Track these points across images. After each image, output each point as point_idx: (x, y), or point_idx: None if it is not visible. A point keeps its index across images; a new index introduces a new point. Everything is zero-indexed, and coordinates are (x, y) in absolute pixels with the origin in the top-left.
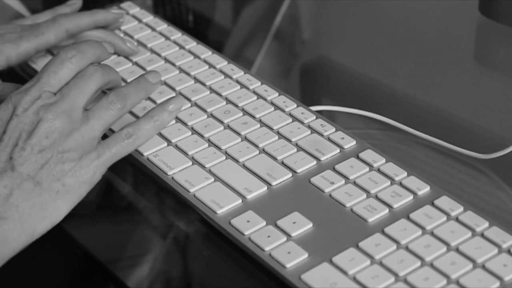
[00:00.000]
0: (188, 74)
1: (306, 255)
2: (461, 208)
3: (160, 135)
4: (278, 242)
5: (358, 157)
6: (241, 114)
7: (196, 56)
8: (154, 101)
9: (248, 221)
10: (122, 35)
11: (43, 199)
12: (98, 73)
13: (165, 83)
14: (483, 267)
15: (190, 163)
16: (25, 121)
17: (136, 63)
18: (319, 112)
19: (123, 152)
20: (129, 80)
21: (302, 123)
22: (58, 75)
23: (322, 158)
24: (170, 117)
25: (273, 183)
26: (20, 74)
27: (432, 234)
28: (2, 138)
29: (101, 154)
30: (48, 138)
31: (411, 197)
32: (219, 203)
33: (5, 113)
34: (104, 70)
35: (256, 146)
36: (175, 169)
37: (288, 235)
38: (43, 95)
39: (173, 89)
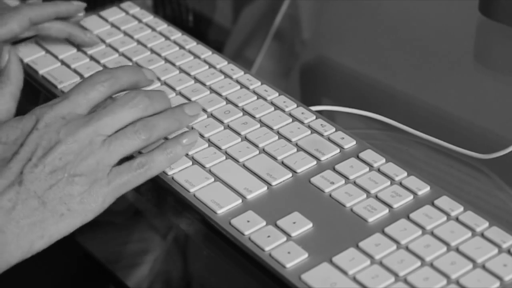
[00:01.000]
0: (188, 74)
1: (306, 255)
2: (461, 208)
3: None
4: (278, 242)
5: (358, 157)
6: (241, 114)
7: (196, 56)
8: None
9: (248, 221)
10: (122, 35)
11: (45, 219)
12: (143, 104)
13: (165, 83)
14: (483, 267)
15: (190, 163)
16: (44, 137)
17: (136, 63)
18: (319, 112)
19: (134, 182)
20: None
21: (302, 123)
22: (88, 95)
23: (322, 158)
24: (183, 150)
25: (273, 183)
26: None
27: (432, 234)
28: (19, 151)
29: (111, 182)
30: (61, 159)
31: (411, 197)
32: (219, 203)
33: (27, 125)
34: (152, 101)
35: (256, 146)
36: (175, 169)
37: (288, 235)
38: (68, 115)
39: (173, 89)
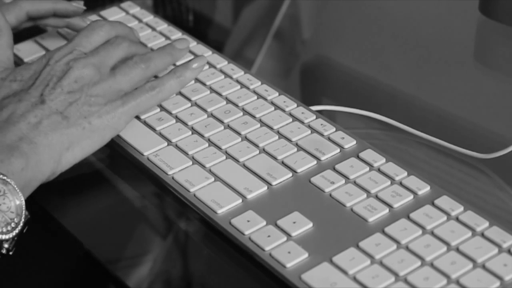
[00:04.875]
0: None
1: (306, 255)
2: (461, 208)
3: (160, 134)
4: (278, 242)
5: (358, 157)
6: (241, 113)
7: (196, 56)
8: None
9: (248, 221)
10: None
11: (70, 132)
12: (125, 43)
13: None
14: (483, 266)
15: (190, 163)
16: (57, 69)
17: None
18: (319, 112)
19: (147, 104)
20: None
21: (302, 122)
22: (90, 38)
23: (322, 158)
24: (192, 74)
25: (273, 183)
26: None
27: (432, 234)
28: (35, 82)
29: (125, 102)
30: (77, 82)
31: (411, 196)
32: (219, 203)
33: (39, 65)
34: (131, 43)
35: (256, 145)
36: (175, 169)
37: (288, 234)
38: (75, 51)
39: None
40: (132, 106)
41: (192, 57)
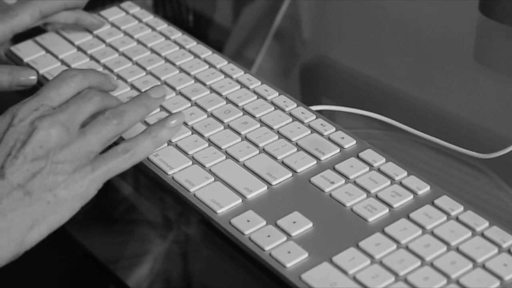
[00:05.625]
0: (188, 74)
1: (306, 255)
2: (461, 208)
3: None
4: (278, 242)
5: (358, 157)
6: (241, 113)
7: (196, 56)
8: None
9: (248, 221)
10: (122, 34)
11: (33, 210)
12: (98, 97)
13: (165, 83)
14: (483, 266)
15: (190, 162)
16: (21, 131)
17: (136, 63)
18: (319, 111)
19: (119, 168)
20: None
21: (302, 122)
22: (59, 90)
23: (322, 158)
24: (170, 133)
25: (273, 183)
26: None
27: (432, 233)
28: None
29: (96, 168)
30: (42, 147)
31: (411, 196)
32: (219, 203)
33: (2, 124)
34: (104, 95)
35: (256, 145)
36: (175, 168)
37: (288, 234)
38: (41, 107)
39: (173, 88)
40: (102, 172)
41: (192, 57)
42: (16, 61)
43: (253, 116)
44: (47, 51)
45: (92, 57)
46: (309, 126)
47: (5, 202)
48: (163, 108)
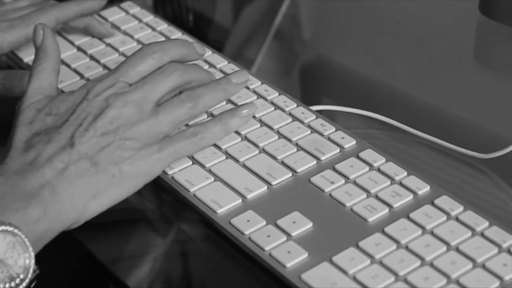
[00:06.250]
0: None
1: (306, 255)
2: (461, 208)
3: None
4: (278, 242)
5: (358, 157)
6: None
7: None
8: None
9: (248, 221)
10: (122, 35)
11: (97, 180)
12: (177, 72)
13: None
14: (483, 266)
15: (190, 162)
16: (94, 105)
17: None
18: (319, 111)
19: (186, 151)
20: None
21: (302, 122)
22: (137, 68)
23: (322, 158)
24: (240, 122)
25: (273, 183)
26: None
27: (432, 233)
28: (69, 119)
29: (163, 148)
30: (113, 123)
31: (411, 196)
32: (219, 203)
33: (78, 97)
34: (185, 69)
35: (256, 145)
36: (175, 168)
37: (288, 234)
38: (117, 84)
39: None
40: (169, 152)
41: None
42: (16, 61)
43: (253, 116)
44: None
45: (92, 57)
46: (309, 126)
47: (72, 169)
48: None
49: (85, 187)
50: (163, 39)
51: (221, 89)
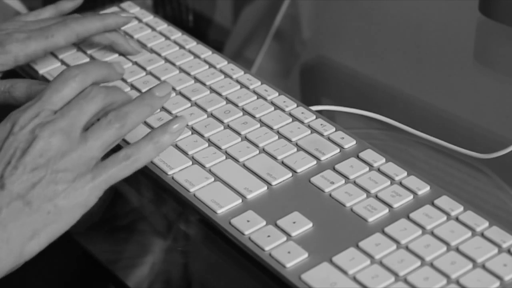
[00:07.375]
0: (188, 74)
1: (306, 255)
2: (461, 208)
3: None
4: (278, 242)
5: (358, 157)
6: (241, 113)
7: (196, 56)
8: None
9: (248, 221)
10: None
11: (33, 220)
12: (101, 95)
13: None
14: (483, 266)
15: (190, 162)
16: (21, 139)
17: (136, 63)
18: (319, 112)
19: (121, 175)
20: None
21: (302, 122)
22: (61, 93)
23: (322, 158)
24: (171, 138)
25: (273, 183)
26: (20, 74)
27: (432, 233)
28: None
29: (96, 176)
30: (42, 156)
31: (411, 196)
32: (219, 203)
33: (3, 131)
34: (107, 92)
35: (256, 145)
36: (175, 168)
37: (288, 234)
38: (42, 113)
39: (173, 89)
40: (103, 179)
41: (192, 57)
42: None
43: (253, 116)
44: (53, 55)
45: (92, 57)
46: (309, 126)
47: (5, 212)
48: (163, 108)
49: (20, 229)
50: (163, 39)
51: (146, 104)
